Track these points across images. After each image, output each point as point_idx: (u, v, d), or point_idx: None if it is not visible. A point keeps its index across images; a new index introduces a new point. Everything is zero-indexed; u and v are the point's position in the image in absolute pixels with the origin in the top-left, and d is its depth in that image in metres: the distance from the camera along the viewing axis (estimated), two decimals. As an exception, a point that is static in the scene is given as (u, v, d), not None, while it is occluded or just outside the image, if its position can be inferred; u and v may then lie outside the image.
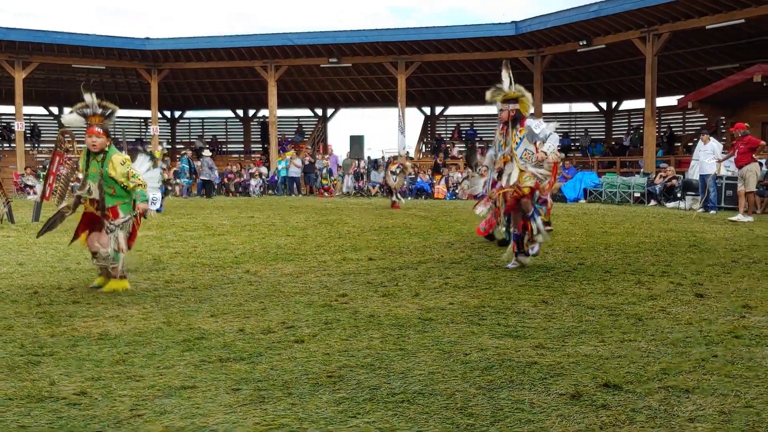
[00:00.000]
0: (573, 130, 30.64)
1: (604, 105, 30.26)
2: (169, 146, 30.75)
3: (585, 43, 23.12)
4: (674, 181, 18.64)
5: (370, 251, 8.55)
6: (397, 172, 18.13)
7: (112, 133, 6.25)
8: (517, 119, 6.96)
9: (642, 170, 21.75)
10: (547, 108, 29.10)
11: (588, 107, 31.28)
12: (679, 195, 18.10)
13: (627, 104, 30.15)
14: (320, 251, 8.63)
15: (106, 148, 6.05)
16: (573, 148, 28.78)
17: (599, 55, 25.45)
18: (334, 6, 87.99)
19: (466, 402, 3.12)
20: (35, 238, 9.96)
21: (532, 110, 7.15)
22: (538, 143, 6.93)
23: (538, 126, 6.89)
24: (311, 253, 8.48)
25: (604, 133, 29.96)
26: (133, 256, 6.41)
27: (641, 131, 25.15)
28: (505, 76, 6.96)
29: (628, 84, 27.94)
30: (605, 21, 21.82)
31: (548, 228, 8.22)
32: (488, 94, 7.08)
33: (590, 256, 7.88)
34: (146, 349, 4.12)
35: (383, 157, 27.35)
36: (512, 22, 24.29)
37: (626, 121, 30.09)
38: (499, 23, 24.63)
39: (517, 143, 6.93)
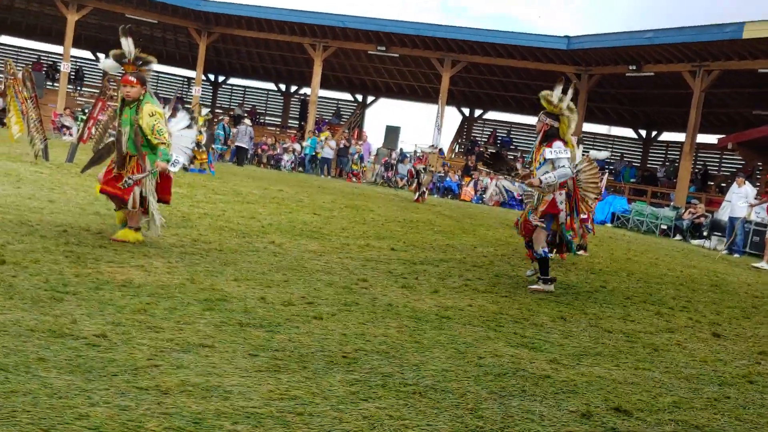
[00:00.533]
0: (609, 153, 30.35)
1: (643, 133, 29.96)
2: (209, 108, 30.85)
3: (634, 68, 22.85)
4: (702, 219, 18.42)
5: (392, 242, 8.57)
6: (422, 170, 18.13)
7: (148, 82, 6.21)
8: (549, 136, 6.61)
9: (672, 203, 21.52)
10: (587, 128, 28.86)
11: (626, 133, 30.98)
12: (705, 233, 17.88)
13: (666, 135, 29.83)
14: (344, 234, 8.66)
15: (141, 97, 6.06)
16: (607, 170, 28.53)
17: (646, 83, 25.17)
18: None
19: (477, 404, 3.14)
20: (68, 178, 10.11)
21: (570, 132, 6.82)
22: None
23: (554, 152, 6.50)
24: (335, 234, 8.52)
25: (639, 161, 29.68)
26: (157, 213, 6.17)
27: (676, 164, 24.86)
28: (570, 92, 6.66)
29: (671, 116, 27.61)
30: (658, 49, 21.55)
31: (583, 252, 7.92)
32: (543, 93, 6.67)
33: (612, 280, 7.84)
34: (168, 303, 4.18)
35: (414, 152, 27.34)
36: (565, 36, 24.08)
37: (663, 152, 29.75)
38: (552, 36, 24.42)
39: (540, 163, 6.63)
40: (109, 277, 4.62)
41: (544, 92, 6.72)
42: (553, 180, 6.47)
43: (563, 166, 6.50)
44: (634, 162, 29.55)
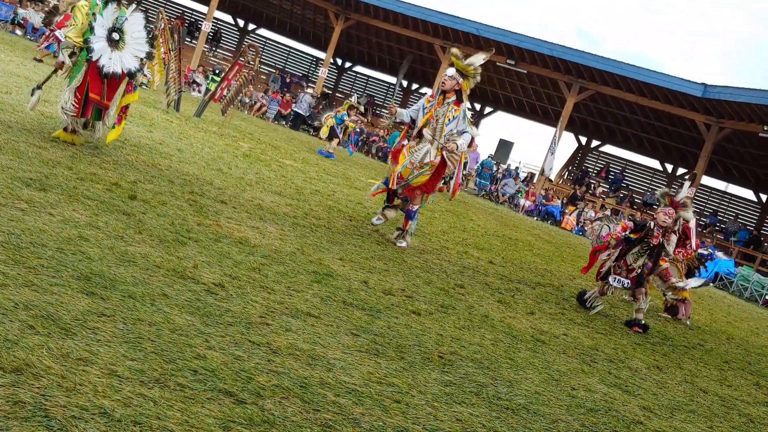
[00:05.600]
0: (723, 211, 29.02)
1: (764, 197, 28.48)
2: (359, 95, 31.25)
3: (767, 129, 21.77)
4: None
5: (491, 255, 8.52)
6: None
7: None
8: (456, 96, 6.74)
9: (783, 276, 20.38)
10: (704, 180, 27.72)
11: (745, 193, 29.52)
12: (815, 316, 16.85)
13: (788, 205, 28.26)
14: (444, 237, 8.68)
15: None
16: (717, 228, 27.31)
17: (778, 146, 23.95)
18: (517, 13, 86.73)
19: (568, 432, 3.10)
20: (195, 132, 10.57)
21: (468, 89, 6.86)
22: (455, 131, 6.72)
23: (467, 114, 6.77)
24: (436, 235, 8.54)
25: (754, 225, 28.25)
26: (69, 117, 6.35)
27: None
28: (480, 58, 6.71)
29: (798, 186, 26.17)
30: (801, 114, 20.47)
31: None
32: (455, 50, 6.83)
33: (711, 340, 7.53)
34: (280, 267, 4.32)
35: (516, 168, 27.16)
36: (702, 83, 23.17)
37: (782, 221, 28.21)
38: (689, 81, 23.53)
39: (449, 120, 6.73)
40: (227, 232, 4.82)
41: (458, 51, 6.83)
42: (464, 146, 6.72)
43: (467, 131, 6.72)
44: (749, 225, 28.18)
